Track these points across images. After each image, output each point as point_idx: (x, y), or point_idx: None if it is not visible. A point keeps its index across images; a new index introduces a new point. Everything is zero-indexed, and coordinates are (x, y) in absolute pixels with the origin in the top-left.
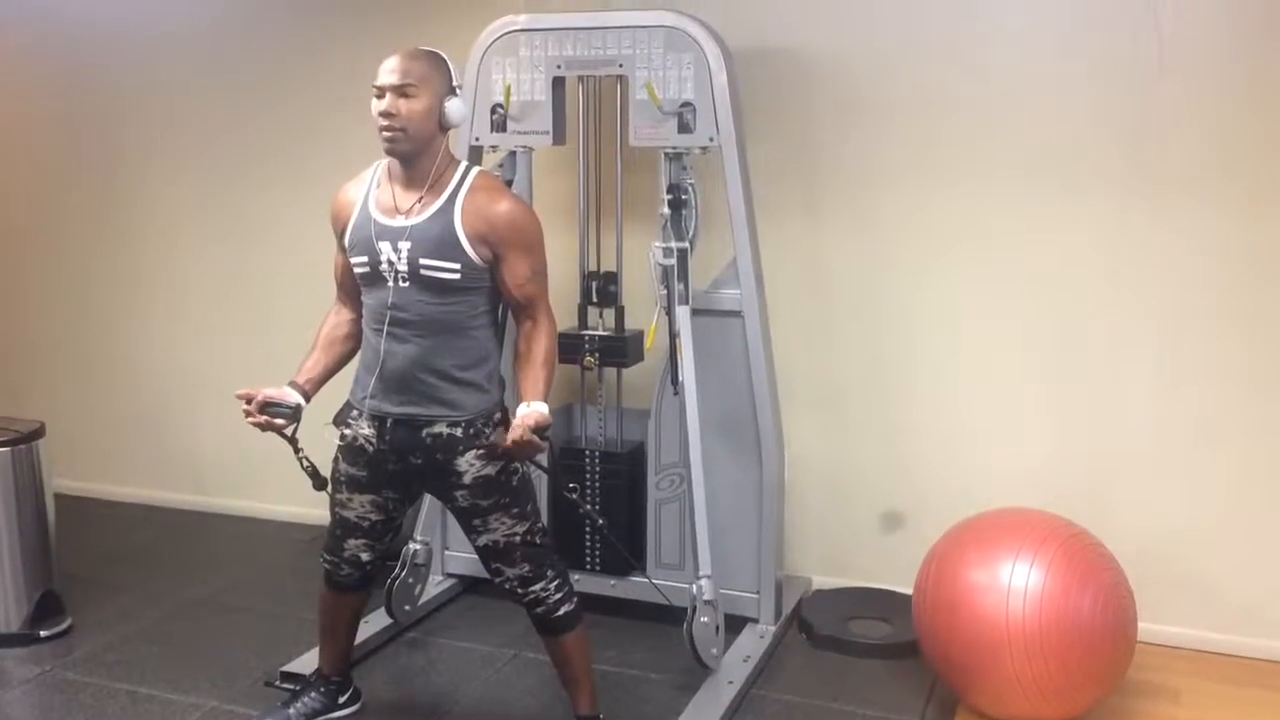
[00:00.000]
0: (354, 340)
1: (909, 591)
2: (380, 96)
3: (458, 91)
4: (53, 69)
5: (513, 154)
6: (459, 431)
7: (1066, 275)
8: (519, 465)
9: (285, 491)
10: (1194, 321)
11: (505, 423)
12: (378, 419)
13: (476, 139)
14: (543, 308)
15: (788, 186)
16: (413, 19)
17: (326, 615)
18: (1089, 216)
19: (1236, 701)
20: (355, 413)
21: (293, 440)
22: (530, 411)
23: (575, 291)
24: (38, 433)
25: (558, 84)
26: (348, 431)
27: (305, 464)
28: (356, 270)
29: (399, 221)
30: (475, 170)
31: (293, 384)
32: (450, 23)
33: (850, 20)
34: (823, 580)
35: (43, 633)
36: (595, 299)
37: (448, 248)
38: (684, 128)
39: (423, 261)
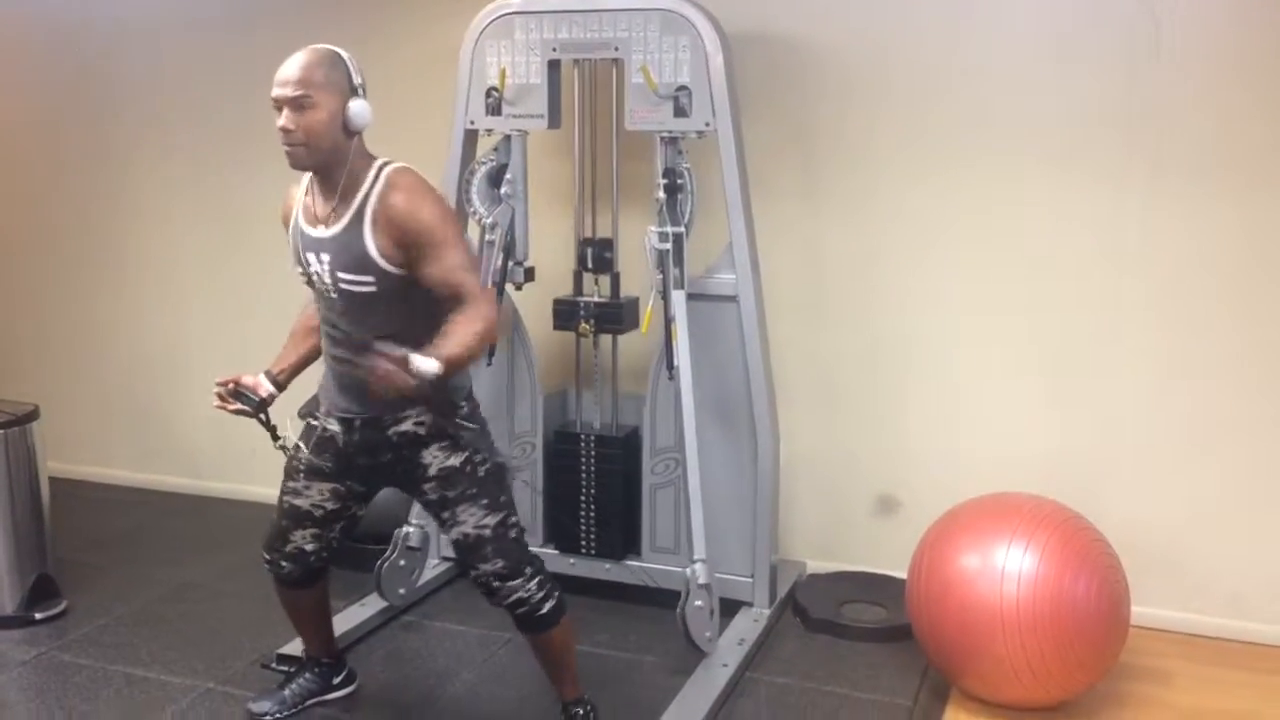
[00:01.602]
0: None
1: (903, 576)
2: (277, 110)
3: (360, 91)
4: (43, 54)
5: (508, 138)
6: (423, 430)
7: (1063, 261)
8: (486, 456)
9: (278, 475)
10: (1190, 309)
11: (468, 417)
12: (344, 420)
13: (471, 123)
14: (476, 291)
15: (784, 171)
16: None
17: (288, 610)
18: (1086, 202)
19: (1226, 684)
20: (323, 409)
21: (270, 426)
22: (409, 351)
23: (571, 266)
24: (32, 415)
25: (553, 67)
26: (315, 423)
27: (286, 450)
28: (299, 277)
29: (319, 232)
30: (389, 169)
31: (268, 373)
32: (445, 5)
33: (847, 4)
34: (817, 565)
35: (38, 615)
36: (590, 265)
37: (361, 262)
38: (680, 112)
39: (340, 275)
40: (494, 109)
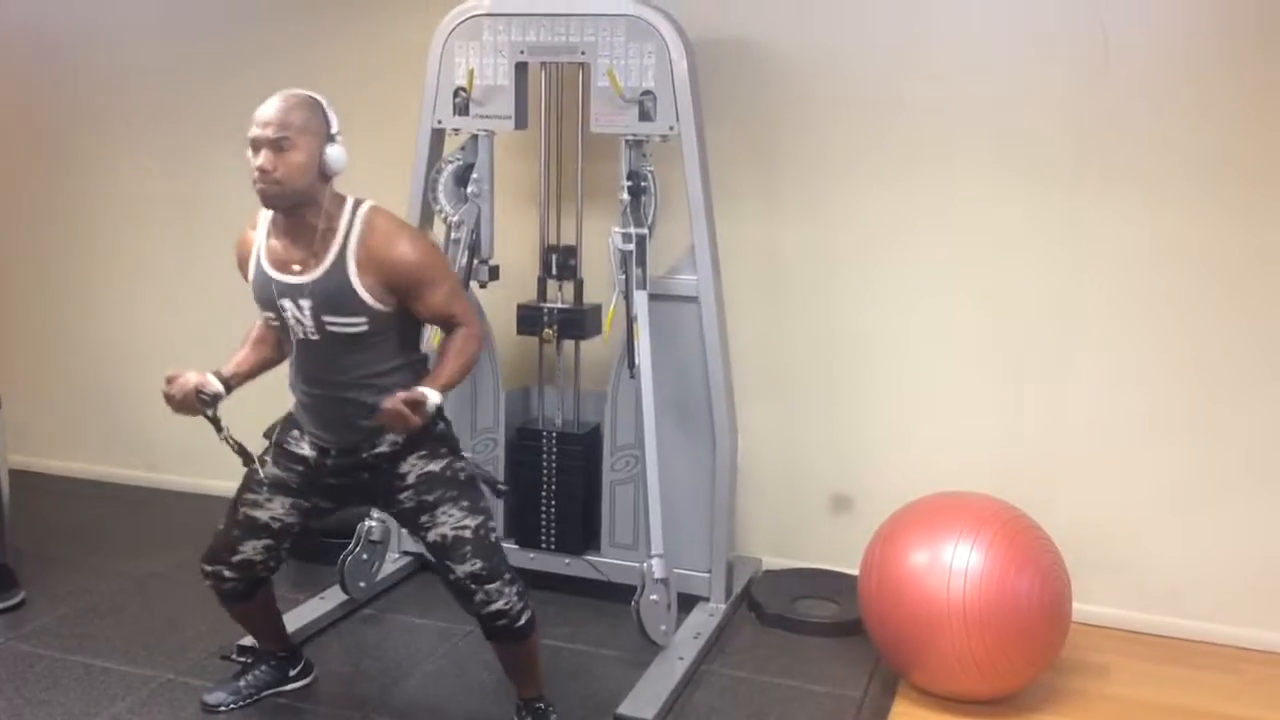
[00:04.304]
0: (280, 349)
1: (855, 572)
2: (255, 151)
3: (337, 138)
4: (10, 51)
5: (474, 138)
6: (399, 446)
7: (1015, 267)
8: (464, 465)
9: (238, 469)
10: (1136, 314)
11: (443, 433)
12: (320, 448)
13: (439, 122)
14: (464, 317)
15: (746, 175)
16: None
17: (236, 620)
18: (1038, 208)
19: (1163, 679)
20: (297, 432)
21: (215, 420)
22: (417, 389)
23: (535, 265)
24: None
25: (520, 69)
26: (289, 446)
27: (232, 443)
28: (267, 321)
29: (295, 279)
30: (364, 209)
31: (217, 373)
32: (413, 5)
33: (808, 12)
34: (772, 561)
35: None
36: (555, 272)
37: (349, 304)
38: (645, 116)
39: (326, 319)
40: (461, 109)
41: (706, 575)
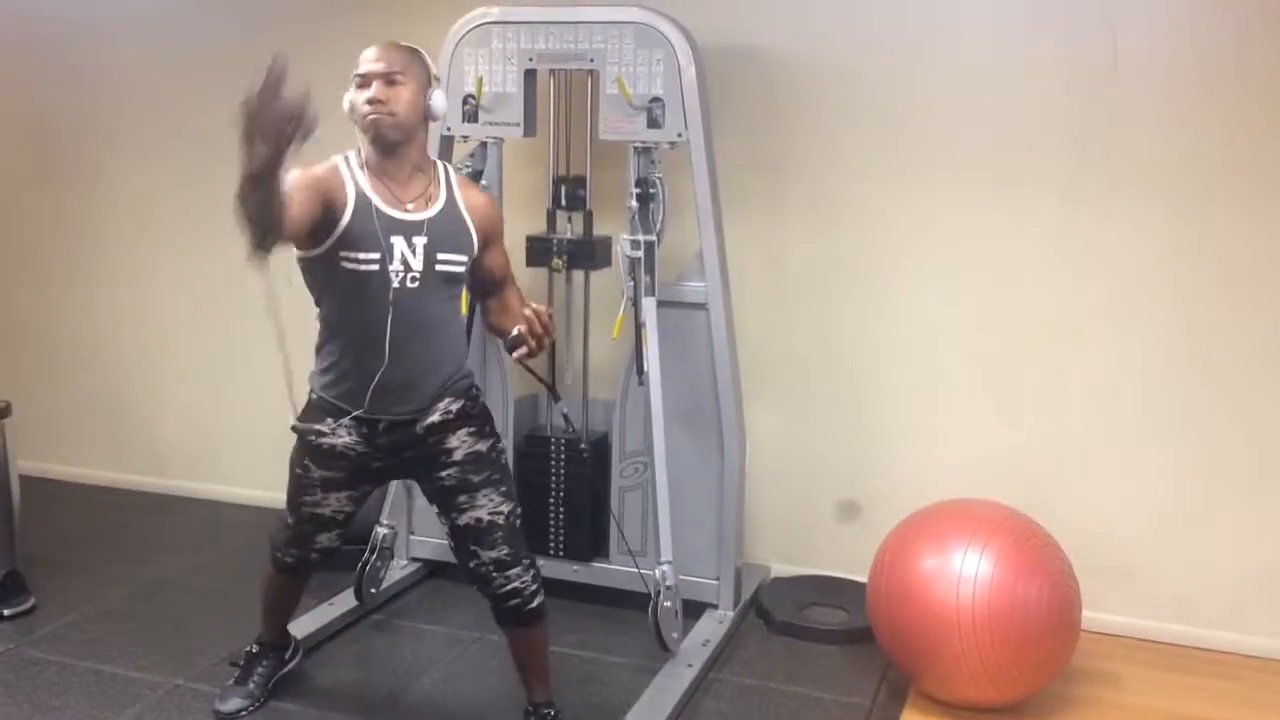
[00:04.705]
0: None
1: (864, 580)
2: (365, 85)
3: (438, 83)
4: (19, 55)
5: (484, 145)
6: (451, 416)
7: (1022, 272)
8: (503, 445)
9: (247, 474)
10: (1143, 319)
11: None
12: (368, 424)
13: (448, 129)
14: (513, 279)
15: (754, 182)
16: (385, 5)
17: (276, 596)
18: (1043, 216)
19: (1173, 687)
20: (331, 421)
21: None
22: (538, 306)
23: (545, 197)
24: (4, 412)
25: (529, 76)
26: (325, 441)
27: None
28: (358, 267)
29: (412, 215)
30: (446, 164)
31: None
32: (423, 11)
33: (816, 20)
34: (781, 568)
35: (6, 611)
36: (564, 203)
37: (464, 240)
38: (653, 123)
39: (440, 255)
40: (471, 116)
41: (715, 582)
